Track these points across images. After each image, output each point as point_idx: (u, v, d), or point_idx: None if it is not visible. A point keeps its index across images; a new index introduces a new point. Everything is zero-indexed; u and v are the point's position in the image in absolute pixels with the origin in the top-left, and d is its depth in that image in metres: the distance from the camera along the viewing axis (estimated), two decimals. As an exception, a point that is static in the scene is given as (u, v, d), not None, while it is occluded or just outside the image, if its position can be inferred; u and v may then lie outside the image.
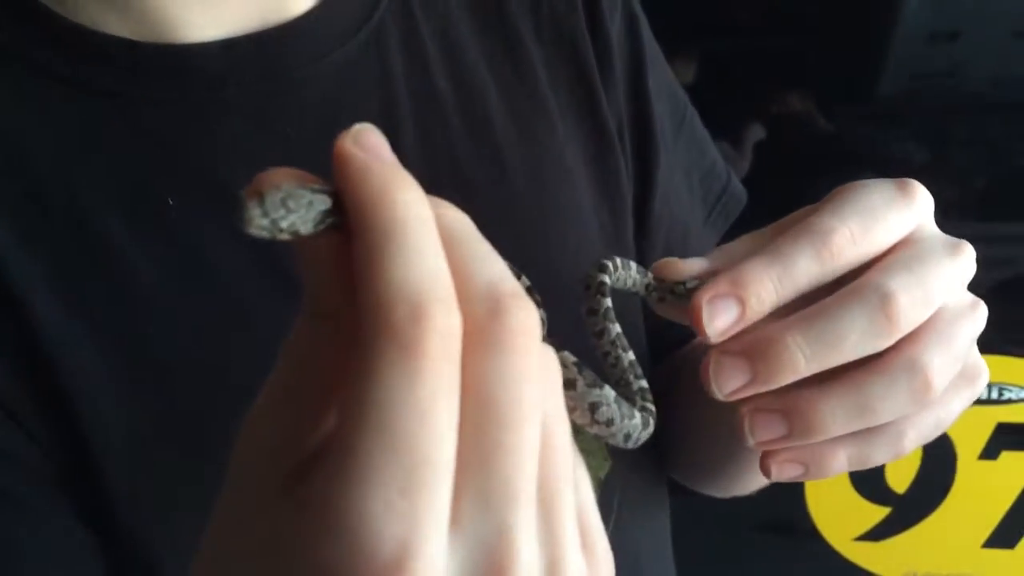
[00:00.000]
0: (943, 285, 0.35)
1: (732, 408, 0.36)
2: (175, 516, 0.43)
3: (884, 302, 0.33)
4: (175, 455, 0.43)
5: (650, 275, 0.39)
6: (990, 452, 1.23)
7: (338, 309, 0.23)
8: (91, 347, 0.41)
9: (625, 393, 0.35)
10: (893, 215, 0.36)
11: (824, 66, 1.15)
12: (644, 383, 0.35)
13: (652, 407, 0.34)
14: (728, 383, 0.34)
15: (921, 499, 1.24)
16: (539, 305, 0.32)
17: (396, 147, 0.49)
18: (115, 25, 0.43)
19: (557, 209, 0.52)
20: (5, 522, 0.40)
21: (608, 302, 0.37)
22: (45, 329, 0.41)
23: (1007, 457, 1.23)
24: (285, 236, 0.23)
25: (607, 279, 0.38)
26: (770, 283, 0.34)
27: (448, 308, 0.21)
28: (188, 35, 0.44)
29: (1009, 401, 1.21)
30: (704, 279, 0.36)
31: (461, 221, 0.25)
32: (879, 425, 0.35)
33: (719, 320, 0.33)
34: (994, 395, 1.21)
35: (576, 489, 0.24)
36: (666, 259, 0.38)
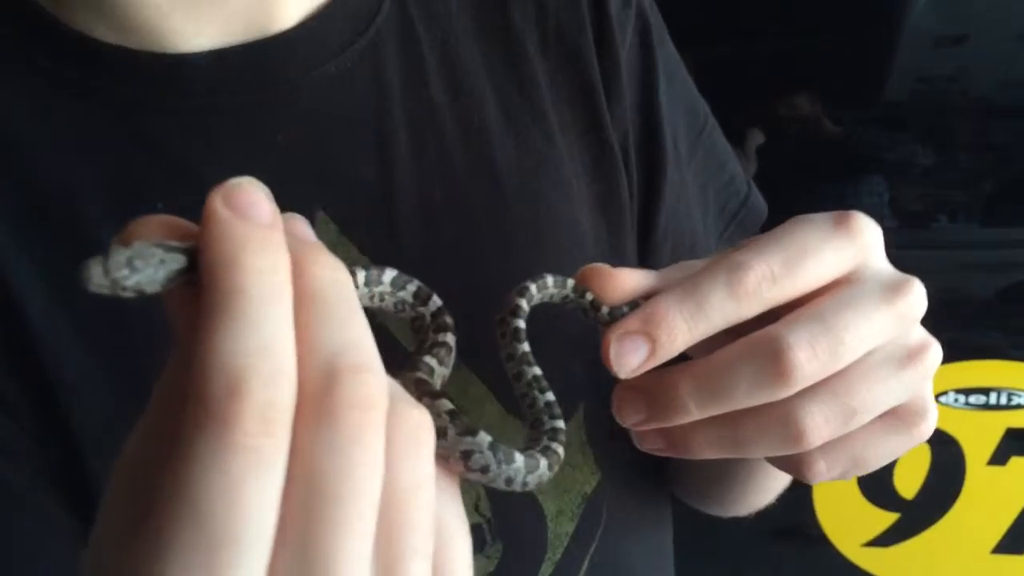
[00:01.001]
0: (865, 334, 0.33)
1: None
2: None
3: (776, 357, 0.32)
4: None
5: (569, 285, 0.37)
6: (999, 458, 1.22)
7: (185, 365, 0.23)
8: (79, 343, 0.42)
9: (535, 435, 0.34)
10: (827, 253, 0.34)
11: (830, 70, 1.15)
12: (559, 423, 0.34)
13: (559, 448, 0.33)
14: (628, 417, 0.35)
15: (930, 505, 1.24)
16: (448, 328, 0.32)
17: (390, 158, 0.49)
18: (106, 34, 0.43)
19: (553, 222, 0.51)
20: (3, 511, 0.40)
21: (525, 346, 0.36)
22: (35, 324, 0.41)
23: (1016, 463, 1.23)
24: (129, 294, 0.23)
25: (524, 303, 0.37)
26: (683, 322, 0.33)
27: (269, 382, 0.21)
28: (177, 45, 0.44)
29: (1018, 406, 1.21)
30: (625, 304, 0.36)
31: (332, 281, 0.23)
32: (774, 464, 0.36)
33: (628, 359, 0.33)
34: (1003, 400, 1.21)
35: (447, 551, 0.24)
36: (596, 267, 0.36)
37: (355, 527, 0.21)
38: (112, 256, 0.23)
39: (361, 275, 0.32)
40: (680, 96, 0.58)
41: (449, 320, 0.33)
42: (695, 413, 0.33)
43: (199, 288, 0.22)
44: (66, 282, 0.41)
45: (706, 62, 0.73)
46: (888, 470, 1.20)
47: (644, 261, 0.56)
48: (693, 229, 0.58)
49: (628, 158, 0.54)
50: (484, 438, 0.29)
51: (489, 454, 0.29)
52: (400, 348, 0.44)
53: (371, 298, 0.32)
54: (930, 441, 1.01)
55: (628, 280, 0.36)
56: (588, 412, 0.49)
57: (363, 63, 0.48)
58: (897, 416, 0.35)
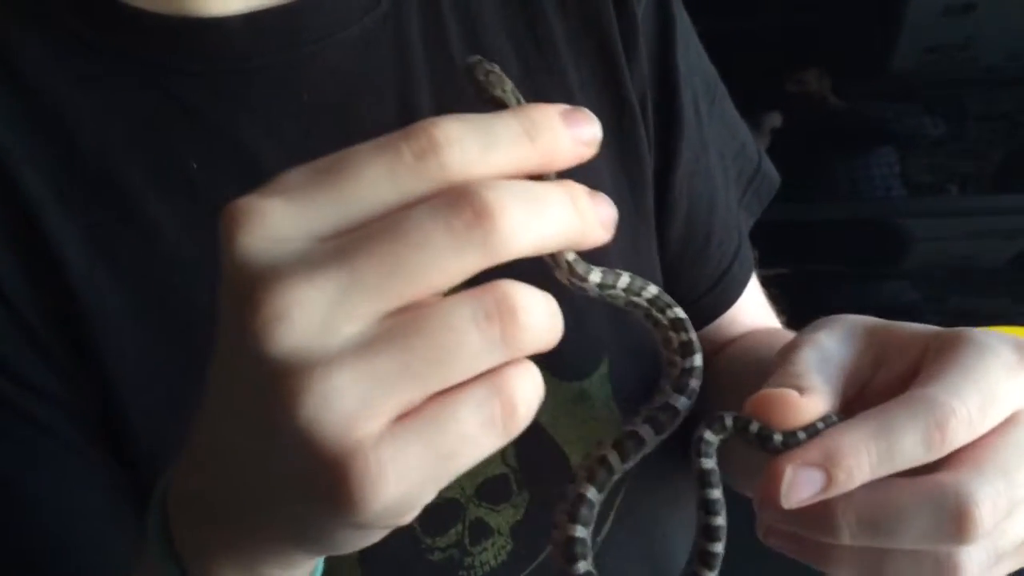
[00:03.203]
0: None
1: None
2: None
3: (962, 513, 0.30)
4: (194, 402, 0.45)
5: (729, 425, 0.35)
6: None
7: None
8: (119, 297, 0.44)
9: None
10: (1012, 393, 0.32)
11: (838, 42, 1.15)
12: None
13: None
14: (768, 518, 0.33)
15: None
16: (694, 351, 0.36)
17: (413, 116, 0.50)
18: (141, 1, 0.45)
19: (575, 179, 0.53)
20: (43, 449, 0.43)
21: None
22: (77, 279, 0.43)
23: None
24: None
25: (712, 438, 0.35)
26: (867, 462, 0.31)
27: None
28: (211, 9, 0.46)
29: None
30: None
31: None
32: None
33: (800, 492, 0.31)
34: (1013, 366, 1.21)
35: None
36: (771, 395, 0.33)
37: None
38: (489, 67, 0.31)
39: (597, 274, 0.34)
40: (694, 61, 0.59)
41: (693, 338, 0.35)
42: (845, 540, 0.31)
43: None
44: (107, 241, 0.44)
45: (711, 37, 0.73)
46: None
47: (659, 219, 0.57)
48: (712, 192, 0.59)
49: (647, 117, 0.55)
50: None
51: None
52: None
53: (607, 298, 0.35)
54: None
55: (811, 408, 0.33)
56: (612, 366, 0.51)
57: (386, 25, 0.50)
58: (1021, 546, 0.34)
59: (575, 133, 0.28)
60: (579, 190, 0.28)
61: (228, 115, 0.47)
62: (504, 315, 0.23)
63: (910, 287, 1.15)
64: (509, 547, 0.48)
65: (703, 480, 0.35)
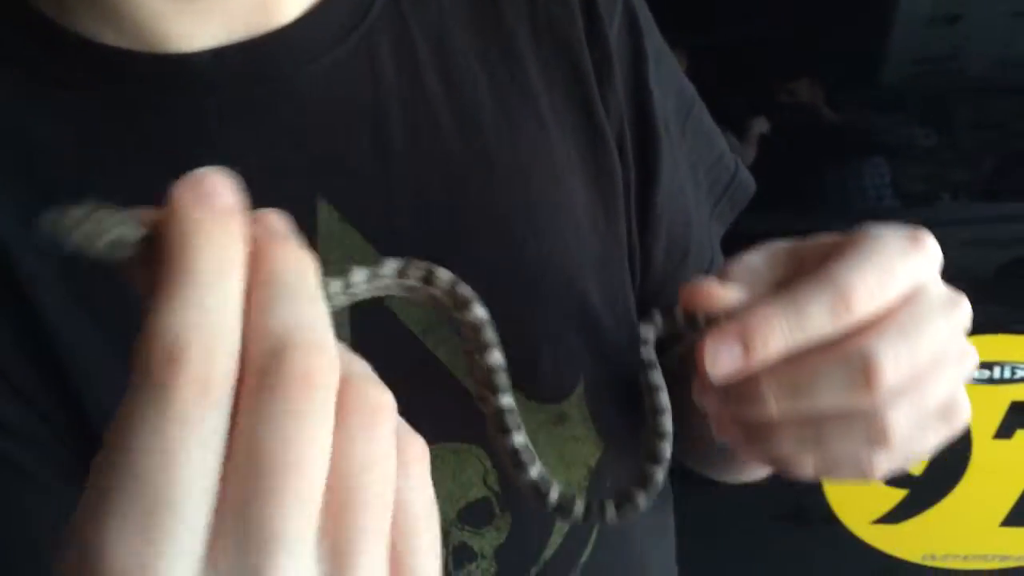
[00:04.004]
0: (934, 345, 0.36)
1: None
2: None
3: (868, 369, 0.34)
4: None
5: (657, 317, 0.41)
6: (1005, 431, 1.24)
7: None
8: (93, 334, 0.43)
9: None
10: (908, 270, 0.36)
11: (825, 54, 1.15)
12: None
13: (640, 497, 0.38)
14: (709, 403, 0.37)
15: (937, 480, 1.25)
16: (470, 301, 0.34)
17: (387, 146, 0.50)
18: (110, 37, 0.45)
19: (548, 207, 0.53)
20: (21, 494, 0.42)
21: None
22: (51, 317, 0.43)
23: (1022, 436, 1.24)
24: (72, 246, 0.24)
25: (651, 335, 0.40)
26: (780, 332, 0.35)
27: (208, 354, 0.21)
28: (179, 46, 0.45)
29: (1022, 380, 1.22)
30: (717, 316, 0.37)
31: (291, 265, 0.24)
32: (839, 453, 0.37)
33: (721, 363, 0.35)
34: (1006, 375, 1.22)
35: (410, 536, 0.24)
36: (698, 284, 0.38)
37: (294, 502, 0.22)
38: (71, 209, 0.24)
39: (362, 272, 0.32)
40: (668, 79, 0.60)
41: (467, 292, 0.34)
42: (772, 409, 0.35)
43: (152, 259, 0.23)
44: (83, 279, 0.43)
45: (702, 49, 0.74)
46: (896, 447, 1.22)
47: (643, 241, 0.57)
48: (686, 207, 0.59)
49: (624, 143, 0.56)
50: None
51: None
52: (405, 330, 0.46)
53: (377, 289, 0.33)
54: (937, 416, 0.99)
55: (729, 294, 0.37)
56: (589, 385, 0.51)
57: (358, 55, 0.49)
58: (943, 413, 0.38)
59: None
60: None
61: (198, 151, 0.46)
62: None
63: (903, 296, 1.15)
64: (493, 570, 0.48)
65: (644, 368, 0.40)
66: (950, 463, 1.25)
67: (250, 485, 0.21)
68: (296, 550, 0.22)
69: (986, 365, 1.20)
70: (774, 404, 0.35)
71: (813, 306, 0.35)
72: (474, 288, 0.36)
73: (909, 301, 0.36)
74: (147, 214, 0.25)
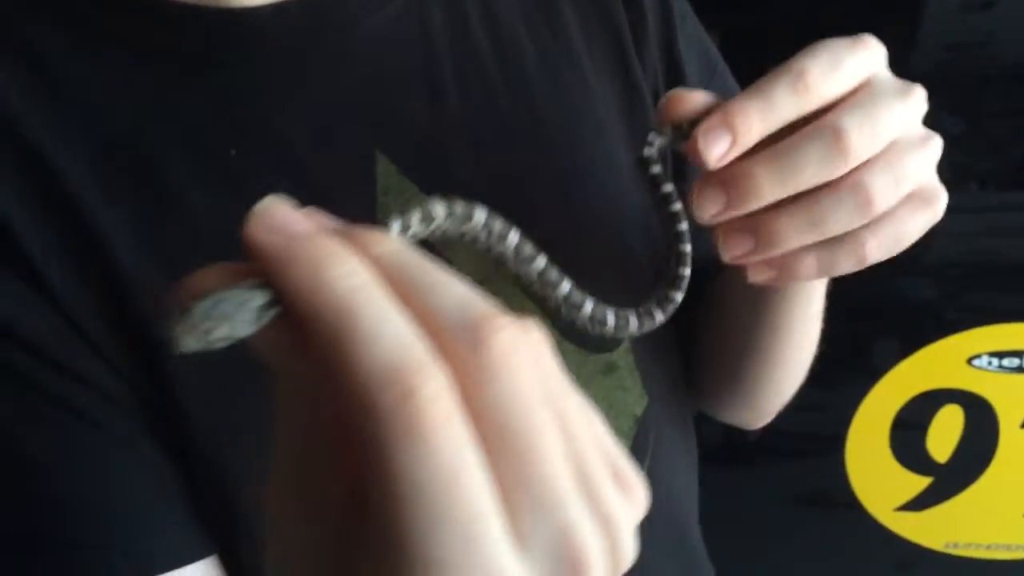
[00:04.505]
0: (893, 121, 0.41)
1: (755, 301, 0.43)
2: (248, 445, 0.46)
3: (837, 137, 0.39)
4: (244, 386, 0.46)
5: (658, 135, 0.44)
6: (1032, 420, 1.23)
7: (315, 383, 0.23)
8: (163, 284, 0.45)
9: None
10: (855, 59, 0.41)
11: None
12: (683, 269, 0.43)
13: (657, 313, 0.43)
14: (708, 207, 0.41)
15: (963, 468, 1.25)
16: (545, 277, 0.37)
17: (440, 101, 0.52)
18: None
19: (593, 161, 0.55)
20: (96, 447, 0.43)
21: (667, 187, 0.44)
22: (125, 269, 0.44)
23: (1049, 425, 1.23)
24: (222, 344, 0.22)
25: (650, 151, 0.44)
26: (756, 115, 0.39)
27: (430, 371, 0.21)
28: (241, 1, 0.47)
29: (1049, 369, 1.21)
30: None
31: (398, 254, 0.24)
32: (838, 237, 0.41)
33: (714, 148, 0.39)
34: (1033, 363, 1.21)
35: (599, 441, 0.25)
36: (671, 94, 0.43)
37: (555, 449, 0.22)
38: (194, 311, 0.22)
39: (415, 215, 0.32)
40: (693, 39, 0.61)
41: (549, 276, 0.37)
42: (767, 194, 0.40)
43: (288, 318, 0.22)
44: (153, 233, 0.45)
45: (724, 34, 0.74)
46: (921, 434, 1.21)
47: (680, 190, 0.59)
48: None
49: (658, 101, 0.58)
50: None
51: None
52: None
53: (432, 233, 0.33)
54: (963, 404, 1.03)
55: (697, 96, 0.42)
56: (635, 338, 0.52)
57: (409, 13, 0.51)
58: (921, 196, 0.43)
59: None
60: None
61: (262, 104, 0.48)
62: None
63: (928, 284, 1.15)
64: None
65: (654, 179, 0.43)
66: (976, 452, 1.24)
67: (521, 461, 0.22)
68: (575, 498, 0.23)
69: (1016, 353, 1.19)
70: (767, 188, 0.39)
71: (777, 90, 0.40)
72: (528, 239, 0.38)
73: (863, 86, 0.41)
74: (238, 271, 0.24)
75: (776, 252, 0.42)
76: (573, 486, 0.23)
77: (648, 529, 0.27)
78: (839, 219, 0.40)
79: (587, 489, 0.23)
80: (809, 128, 0.40)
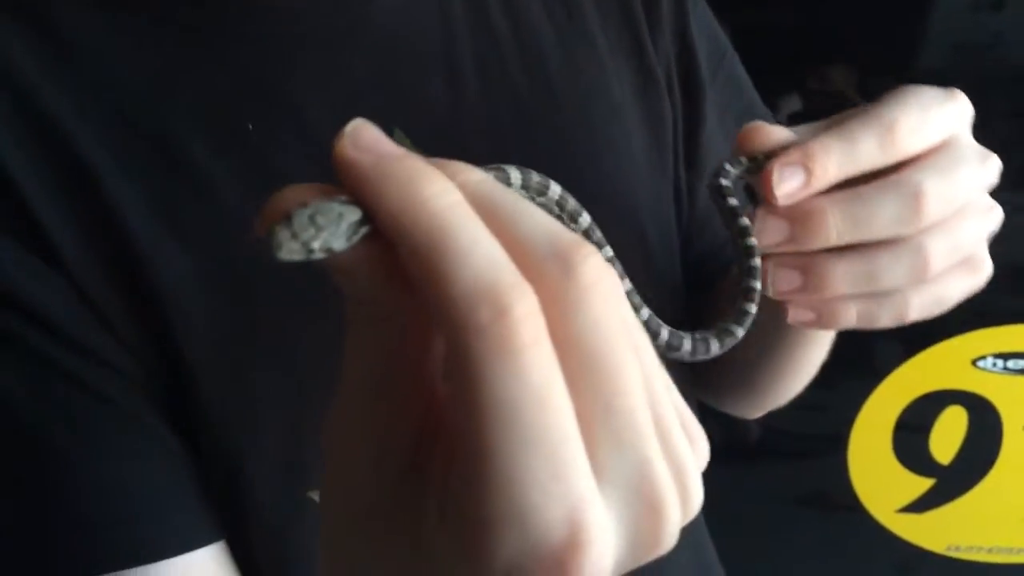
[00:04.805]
0: (968, 189, 0.40)
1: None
2: (259, 425, 0.46)
3: (916, 197, 0.38)
4: (258, 364, 0.46)
5: (735, 164, 0.43)
6: (1035, 423, 1.22)
7: (395, 311, 0.23)
8: (182, 260, 0.44)
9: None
10: (944, 115, 0.40)
11: (863, 39, 1.14)
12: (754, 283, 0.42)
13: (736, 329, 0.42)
14: (770, 236, 0.40)
15: (966, 470, 1.24)
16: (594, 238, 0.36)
17: (458, 79, 0.52)
18: None
19: (609, 142, 0.55)
20: (100, 422, 0.43)
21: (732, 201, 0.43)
22: (140, 242, 0.44)
23: (1053, 428, 1.22)
24: (319, 255, 0.22)
25: (726, 182, 0.43)
26: (836, 159, 0.38)
27: (523, 290, 0.21)
28: None
29: (1054, 371, 1.20)
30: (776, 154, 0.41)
31: (485, 183, 0.23)
32: (883, 291, 0.41)
33: (787, 184, 0.38)
34: (1039, 365, 1.20)
35: (669, 386, 0.25)
36: (751, 126, 0.43)
37: (636, 382, 0.22)
38: (295, 218, 0.22)
39: (490, 175, 0.31)
40: (704, 24, 0.61)
41: (597, 235, 0.36)
42: (834, 237, 0.39)
43: (379, 235, 0.22)
44: (165, 201, 0.45)
45: (731, 32, 0.74)
46: (924, 435, 1.21)
47: (689, 179, 0.59)
48: (721, 151, 0.61)
49: (672, 84, 0.58)
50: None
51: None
52: None
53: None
54: (967, 406, 1.03)
55: (778, 132, 0.42)
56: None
57: None
58: (969, 263, 0.43)
59: None
60: None
61: (280, 76, 0.48)
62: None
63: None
64: None
65: (731, 214, 0.42)
66: (979, 454, 1.24)
67: (605, 390, 0.22)
68: (653, 436, 0.23)
69: (1020, 355, 1.19)
70: (835, 234, 0.39)
71: (863, 137, 0.39)
72: None
73: (946, 145, 0.41)
74: (323, 189, 0.23)
75: (822, 296, 0.41)
76: (650, 419, 0.23)
77: None
78: (893, 276, 0.40)
79: (660, 430, 0.23)
80: (890, 182, 0.39)
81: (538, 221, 0.23)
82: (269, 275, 0.39)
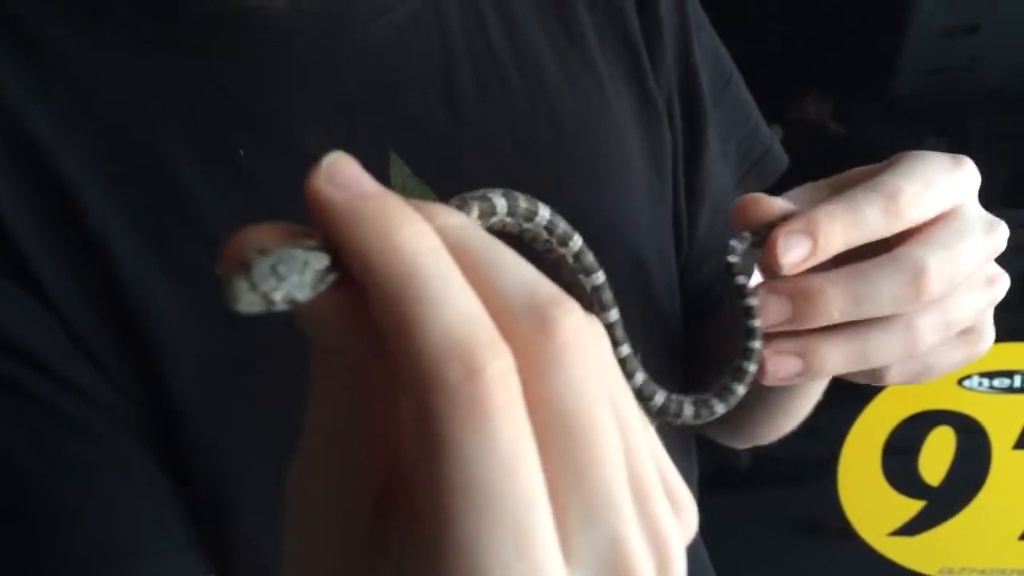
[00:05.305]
0: (972, 262, 0.39)
1: None
2: (248, 461, 0.45)
3: (918, 275, 0.38)
4: (247, 398, 0.45)
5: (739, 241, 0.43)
6: (1024, 442, 1.23)
7: (363, 362, 0.22)
8: (168, 288, 0.43)
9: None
10: (950, 184, 0.39)
11: (838, 64, 1.15)
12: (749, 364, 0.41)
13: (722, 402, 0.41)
14: (771, 316, 0.40)
15: (956, 492, 1.24)
16: (585, 271, 0.35)
17: (457, 101, 0.51)
18: None
19: (608, 166, 0.54)
20: (89, 460, 0.42)
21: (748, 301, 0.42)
22: (125, 270, 0.42)
23: (1041, 447, 1.23)
24: (281, 307, 0.20)
25: (734, 259, 0.43)
26: (840, 229, 0.38)
27: (496, 349, 0.20)
28: None
29: (1041, 390, 1.21)
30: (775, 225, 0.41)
31: (464, 228, 0.22)
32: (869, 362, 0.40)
33: (792, 253, 0.38)
34: (1026, 385, 1.21)
35: (654, 450, 0.23)
36: (750, 197, 0.42)
37: (613, 451, 0.21)
38: (255, 267, 0.20)
39: (474, 208, 0.30)
40: (708, 48, 0.61)
41: (591, 263, 0.36)
42: (836, 316, 0.38)
43: (348, 281, 0.21)
44: (153, 230, 0.44)
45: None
46: (913, 457, 1.21)
47: (689, 207, 0.58)
48: (724, 178, 0.60)
49: (672, 110, 0.57)
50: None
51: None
52: None
53: (491, 227, 0.31)
54: (954, 426, 1.03)
55: (777, 203, 0.41)
56: (642, 353, 0.52)
57: (425, 11, 0.51)
58: (967, 335, 0.42)
59: None
60: None
61: (274, 100, 0.47)
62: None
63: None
64: None
65: (736, 290, 0.41)
66: (969, 474, 1.24)
67: (578, 458, 0.20)
68: (629, 509, 0.21)
69: (1006, 374, 1.19)
70: (837, 312, 0.38)
71: (867, 206, 0.38)
72: None
73: (951, 216, 0.40)
74: (293, 231, 0.22)
75: (812, 375, 0.41)
76: (628, 495, 0.21)
77: None
78: (885, 355, 0.40)
79: (640, 501, 0.22)
80: (893, 259, 0.38)
81: (518, 272, 0.21)
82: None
